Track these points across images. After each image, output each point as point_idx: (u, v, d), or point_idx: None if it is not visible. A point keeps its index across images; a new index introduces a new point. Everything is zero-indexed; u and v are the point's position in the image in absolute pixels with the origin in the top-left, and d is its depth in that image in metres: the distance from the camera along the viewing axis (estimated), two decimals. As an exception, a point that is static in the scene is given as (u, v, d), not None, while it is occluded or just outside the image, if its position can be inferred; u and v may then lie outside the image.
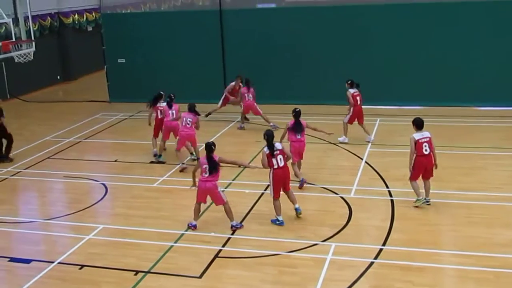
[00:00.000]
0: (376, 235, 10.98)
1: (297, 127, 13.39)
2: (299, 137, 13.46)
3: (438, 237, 10.97)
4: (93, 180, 14.66)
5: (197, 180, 11.49)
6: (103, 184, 14.23)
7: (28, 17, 17.17)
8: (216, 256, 10.44)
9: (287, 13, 22.14)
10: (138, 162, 15.75)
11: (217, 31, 21.66)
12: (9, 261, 10.66)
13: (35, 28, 20.05)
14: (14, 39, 16.91)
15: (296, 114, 13.43)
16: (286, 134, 13.52)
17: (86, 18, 29.77)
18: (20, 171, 15.53)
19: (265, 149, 11.48)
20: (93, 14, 29.81)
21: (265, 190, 13.28)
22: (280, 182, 11.53)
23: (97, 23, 28.70)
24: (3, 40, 16.75)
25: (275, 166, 11.43)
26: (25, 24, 17.36)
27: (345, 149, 15.88)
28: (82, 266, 10.30)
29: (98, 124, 19.90)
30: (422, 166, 11.82)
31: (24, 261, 10.60)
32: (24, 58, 17.46)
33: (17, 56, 17.23)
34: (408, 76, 20.04)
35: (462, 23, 19.58)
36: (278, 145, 11.53)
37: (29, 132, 18.88)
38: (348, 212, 11.97)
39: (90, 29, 30.09)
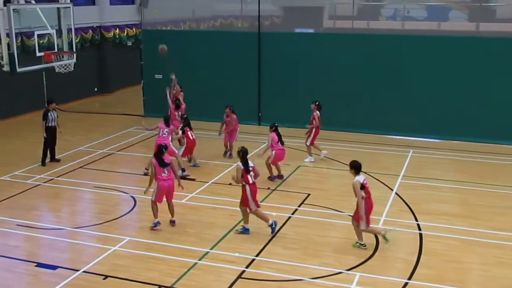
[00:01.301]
0: (402, 268, 10.84)
1: (279, 138, 15.56)
2: (281, 146, 15.63)
3: (465, 275, 10.75)
4: (122, 192, 14.81)
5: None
6: (132, 197, 14.36)
7: (71, 29, 17.51)
8: (239, 277, 10.41)
9: (324, 38, 22.24)
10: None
11: (254, 53, 21.83)
12: (36, 266, 10.81)
13: (76, 40, 20.42)
14: (56, 50, 17.26)
15: (276, 127, 15.64)
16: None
17: (127, 33, 30.27)
18: (52, 179, 15.78)
19: (240, 165, 11.95)
20: (134, 29, 30.31)
21: (292, 214, 13.26)
22: (255, 195, 12.07)
23: (137, 38, 29.16)
24: (45, 50, 17.07)
25: (250, 182, 11.93)
26: (67, 36, 17.72)
27: (376, 179, 15.75)
28: (106, 277, 10.38)
29: (131, 138, 20.14)
30: (371, 209, 11.49)
31: (50, 267, 10.73)
32: (65, 69, 17.79)
33: (58, 67, 17.56)
34: (444, 109, 19.83)
35: (504, 58, 19.31)
36: (251, 163, 12.12)
37: (64, 141, 19.13)
38: (375, 242, 11.85)
39: (129, 44, 30.58)
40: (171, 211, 12.64)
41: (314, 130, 17.23)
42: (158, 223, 12.37)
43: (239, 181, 11.97)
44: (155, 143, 15.28)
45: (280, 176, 15.76)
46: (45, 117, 16.76)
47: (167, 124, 15.96)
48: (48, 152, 17.03)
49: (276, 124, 15.81)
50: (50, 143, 16.95)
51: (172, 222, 12.61)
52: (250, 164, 12.09)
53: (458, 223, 12.82)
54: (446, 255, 11.37)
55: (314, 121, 17.18)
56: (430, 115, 19.97)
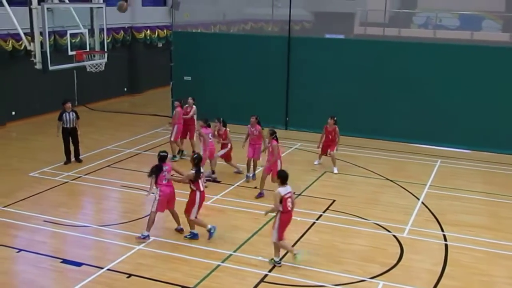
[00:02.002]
0: (427, 279, 10.73)
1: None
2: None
3: (491, 288, 10.64)
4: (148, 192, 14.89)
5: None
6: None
7: (103, 29, 17.72)
8: (262, 280, 10.41)
9: (354, 45, 22.12)
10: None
11: (284, 57, 21.81)
12: (61, 262, 10.95)
13: (108, 40, 20.65)
14: (88, 49, 17.47)
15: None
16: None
17: (158, 35, 30.52)
18: (80, 176, 15.97)
19: (193, 171, 11.70)
20: (165, 31, 30.54)
21: (317, 219, 13.22)
22: (202, 204, 11.97)
23: (168, 40, 29.41)
24: (77, 49, 17.29)
25: (202, 189, 11.81)
26: (99, 36, 17.93)
27: (402, 187, 15.63)
28: (129, 275, 10.47)
29: (159, 138, 20.28)
30: (286, 224, 10.99)
31: (75, 264, 10.86)
32: (96, 68, 18.00)
33: (89, 66, 17.77)
34: (474, 119, 19.54)
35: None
36: (202, 169, 12.03)
37: (92, 140, 19.39)
38: (399, 251, 11.75)
39: (160, 45, 30.82)
40: (177, 219, 12.33)
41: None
42: (148, 237, 11.92)
43: (184, 181, 11.78)
44: (205, 150, 15.39)
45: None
46: (60, 118, 16.74)
47: (209, 125, 15.83)
48: (73, 152, 17.11)
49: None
50: (68, 144, 16.89)
51: (180, 230, 12.30)
52: (202, 170, 11.92)
53: (485, 236, 12.64)
54: (471, 267, 11.22)
55: (337, 135, 16.93)
56: (460, 125, 19.73)
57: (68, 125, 16.73)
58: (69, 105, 16.84)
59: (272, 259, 11.09)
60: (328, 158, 17.07)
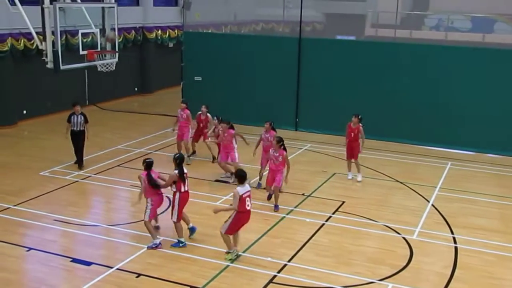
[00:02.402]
0: (436, 282, 10.68)
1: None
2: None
3: (501, 291, 10.57)
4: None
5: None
6: (167, 197, 14.44)
7: (114, 29, 17.76)
8: (270, 281, 10.41)
9: (365, 47, 22.06)
10: (203, 179, 15.96)
11: (294, 58, 21.80)
12: (71, 261, 10.99)
13: (119, 40, 20.72)
14: (99, 49, 17.52)
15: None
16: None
17: (169, 35, 30.61)
18: (90, 176, 16.03)
19: (176, 171, 11.36)
20: (176, 31, 30.63)
21: (326, 221, 13.20)
22: (184, 205, 11.63)
23: (179, 40, 29.46)
24: (89, 49, 17.34)
25: (182, 190, 11.49)
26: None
27: (412, 189, 15.58)
28: (139, 275, 10.49)
29: (169, 138, 20.30)
30: (241, 223, 11.09)
31: (85, 263, 10.90)
32: (107, 68, 18.04)
33: (100, 65, 17.82)
34: (485, 122, 19.42)
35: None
36: (185, 170, 11.59)
37: (103, 139, 19.47)
38: (409, 253, 11.70)
39: (171, 45, 30.89)
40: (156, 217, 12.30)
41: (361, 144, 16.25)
42: (160, 244, 11.65)
43: (168, 185, 11.45)
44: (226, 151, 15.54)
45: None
46: (69, 120, 16.57)
47: (233, 127, 15.77)
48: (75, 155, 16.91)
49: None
50: (76, 146, 16.70)
51: (157, 228, 12.29)
52: (185, 171, 11.50)
53: (496, 239, 12.57)
54: (481, 270, 11.16)
55: (360, 134, 16.17)
56: (471, 127, 19.61)
57: (76, 128, 16.56)
58: (78, 108, 16.65)
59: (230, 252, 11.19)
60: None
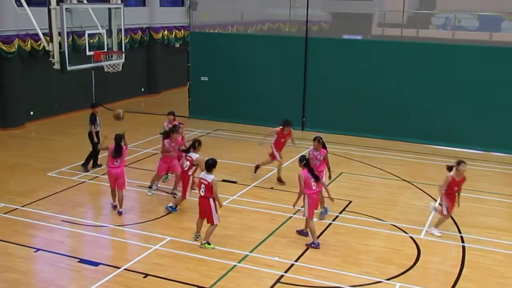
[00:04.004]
0: (444, 281, 10.64)
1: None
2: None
3: (510, 291, 10.51)
4: (165, 192, 14.97)
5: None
6: (174, 197, 14.49)
7: (121, 29, 17.78)
8: (278, 281, 10.39)
9: (372, 46, 22.01)
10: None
11: (301, 58, 21.77)
12: (78, 262, 11.01)
13: (126, 41, 20.76)
14: (106, 50, 17.55)
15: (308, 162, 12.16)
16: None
17: (175, 35, 30.64)
18: (97, 176, 16.06)
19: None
20: (182, 31, 30.65)
21: (333, 220, 13.17)
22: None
23: (185, 40, 29.48)
24: (95, 50, 17.37)
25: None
26: (117, 36, 17.99)
27: (420, 189, 15.52)
28: (146, 275, 10.50)
29: (176, 139, 20.30)
30: (202, 207, 11.68)
31: (93, 264, 10.91)
32: (113, 69, 18.06)
33: (107, 66, 17.84)
34: (493, 121, 19.34)
35: None
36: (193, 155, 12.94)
37: (109, 140, 19.44)
38: (416, 253, 11.66)
39: (177, 45, 30.92)
40: (119, 201, 13.45)
41: None
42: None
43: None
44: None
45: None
46: (93, 122, 16.57)
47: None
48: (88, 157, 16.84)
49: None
50: (96, 147, 16.63)
51: (119, 213, 13.35)
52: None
53: (504, 238, 12.51)
54: (490, 269, 11.11)
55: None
56: (479, 126, 19.54)
57: (98, 129, 16.66)
58: (98, 108, 16.98)
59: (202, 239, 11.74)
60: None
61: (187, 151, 13.19)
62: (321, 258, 11.35)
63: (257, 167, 16.07)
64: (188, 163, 12.99)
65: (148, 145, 19.43)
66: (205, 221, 11.73)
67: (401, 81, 20.39)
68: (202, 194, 11.45)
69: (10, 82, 21.54)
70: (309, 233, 11.88)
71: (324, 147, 13.37)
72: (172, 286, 10.19)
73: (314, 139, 13.36)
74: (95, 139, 16.51)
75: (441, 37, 29.81)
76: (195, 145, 12.96)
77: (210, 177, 11.33)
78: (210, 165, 11.44)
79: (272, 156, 15.65)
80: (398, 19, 31.52)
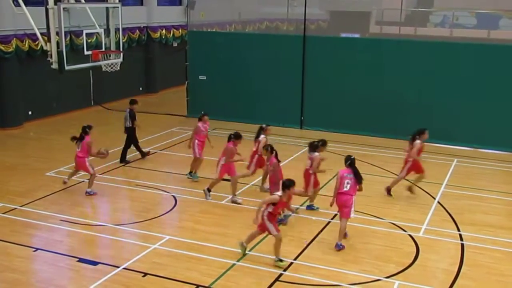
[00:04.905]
0: (442, 279, 10.65)
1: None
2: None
3: (508, 288, 10.53)
4: (164, 191, 14.97)
5: None
6: (173, 196, 14.50)
7: (119, 29, 17.76)
8: (277, 279, 10.40)
9: (370, 44, 22.03)
10: (210, 178, 15.90)
11: (299, 56, 21.77)
12: (77, 261, 11.01)
13: (124, 40, 20.74)
14: (104, 49, 17.54)
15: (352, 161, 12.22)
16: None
17: (173, 34, 30.60)
18: (96, 176, 16.00)
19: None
20: (180, 30, 30.62)
21: (332, 219, 13.18)
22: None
23: (183, 39, 29.47)
24: (93, 49, 17.36)
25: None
26: (115, 36, 17.98)
27: (418, 187, 15.52)
28: (145, 274, 10.50)
29: (174, 138, 20.34)
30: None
31: (91, 263, 10.91)
32: (111, 68, 18.06)
33: (104, 66, 17.84)
34: (491, 119, 19.37)
35: None
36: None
37: (109, 139, 19.45)
38: (415, 251, 11.68)
39: (175, 45, 30.89)
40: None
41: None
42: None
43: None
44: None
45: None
46: (134, 117, 17.53)
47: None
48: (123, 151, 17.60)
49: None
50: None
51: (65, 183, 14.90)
52: None
53: (503, 235, 12.53)
54: (489, 267, 11.12)
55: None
56: (477, 124, 19.57)
57: (130, 124, 17.56)
58: (136, 105, 17.80)
59: None
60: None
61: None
62: (321, 256, 11.36)
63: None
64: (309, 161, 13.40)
65: (147, 144, 19.38)
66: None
67: (399, 79, 20.38)
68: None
69: (8, 82, 21.52)
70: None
71: (276, 156, 13.19)
72: (171, 285, 10.19)
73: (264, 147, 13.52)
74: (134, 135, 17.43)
75: (439, 35, 29.89)
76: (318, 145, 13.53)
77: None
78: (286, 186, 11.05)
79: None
80: (396, 17, 31.59)
